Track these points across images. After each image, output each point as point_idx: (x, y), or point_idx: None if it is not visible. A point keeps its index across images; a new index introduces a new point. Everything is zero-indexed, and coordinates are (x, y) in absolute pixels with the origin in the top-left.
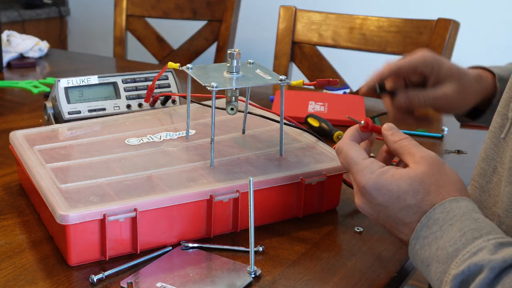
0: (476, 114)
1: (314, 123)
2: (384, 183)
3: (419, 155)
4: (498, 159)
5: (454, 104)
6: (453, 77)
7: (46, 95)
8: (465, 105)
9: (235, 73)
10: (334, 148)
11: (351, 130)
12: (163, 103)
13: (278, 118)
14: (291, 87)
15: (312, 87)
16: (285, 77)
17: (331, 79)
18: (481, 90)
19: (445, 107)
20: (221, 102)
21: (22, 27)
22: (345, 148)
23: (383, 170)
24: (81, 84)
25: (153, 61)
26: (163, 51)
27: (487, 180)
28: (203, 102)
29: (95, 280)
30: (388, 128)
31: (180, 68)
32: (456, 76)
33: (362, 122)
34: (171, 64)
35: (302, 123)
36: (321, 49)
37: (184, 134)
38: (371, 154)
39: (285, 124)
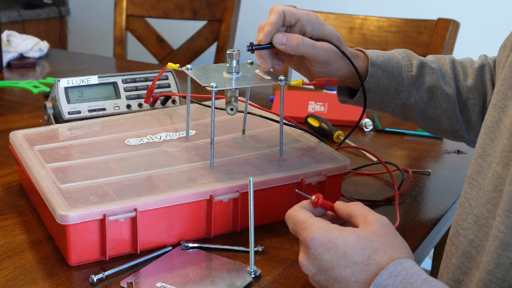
0: (356, 94)
1: (314, 123)
2: (331, 237)
3: (371, 216)
4: (494, 154)
5: (328, 61)
6: (332, 41)
7: (46, 95)
8: (338, 69)
9: (234, 73)
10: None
11: (301, 202)
12: (163, 103)
13: (278, 118)
14: (291, 87)
15: (312, 87)
16: (284, 77)
17: (330, 78)
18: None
19: (320, 59)
20: (221, 103)
21: (22, 27)
22: (293, 213)
23: (331, 225)
24: (81, 84)
25: (153, 61)
26: (163, 51)
27: (483, 177)
28: (203, 103)
29: (95, 280)
30: (339, 202)
31: (180, 69)
32: (336, 41)
33: (313, 197)
34: (170, 65)
35: (302, 123)
36: None
37: (184, 135)
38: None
39: (285, 124)
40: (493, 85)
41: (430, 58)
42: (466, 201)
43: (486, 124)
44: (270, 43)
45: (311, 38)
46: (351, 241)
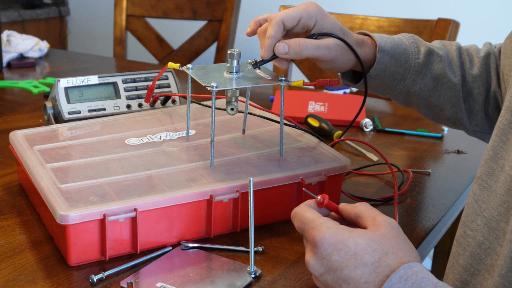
0: (360, 78)
1: (314, 123)
2: (341, 237)
3: (380, 218)
4: (506, 157)
5: (335, 58)
6: (335, 32)
7: (46, 95)
8: (346, 62)
9: (235, 73)
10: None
11: (307, 201)
12: (163, 103)
13: (278, 119)
14: (291, 87)
15: (312, 87)
16: (285, 77)
17: (331, 79)
18: (362, 54)
19: (327, 58)
20: (221, 103)
21: (22, 27)
22: (300, 211)
23: (340, 226)
24: (81, 84)
25: (153, 61)
26: (163, 51)
27: (495, 179)
28: (203, 103)
29: (95, 280)
30: (344, 204)
31: (180, 69)
32: (339, 32)
33: (319, 197)
34: (171, 65)
35: (302, 123)
36: None
37: (184, 134)
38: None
39: (285, 124)
40: (497, 74)
41: (436, 44)
42: (475, 203)
43: (498, 126)
44: (274, 53)
45: (314, 34)
46: (362, 243)
